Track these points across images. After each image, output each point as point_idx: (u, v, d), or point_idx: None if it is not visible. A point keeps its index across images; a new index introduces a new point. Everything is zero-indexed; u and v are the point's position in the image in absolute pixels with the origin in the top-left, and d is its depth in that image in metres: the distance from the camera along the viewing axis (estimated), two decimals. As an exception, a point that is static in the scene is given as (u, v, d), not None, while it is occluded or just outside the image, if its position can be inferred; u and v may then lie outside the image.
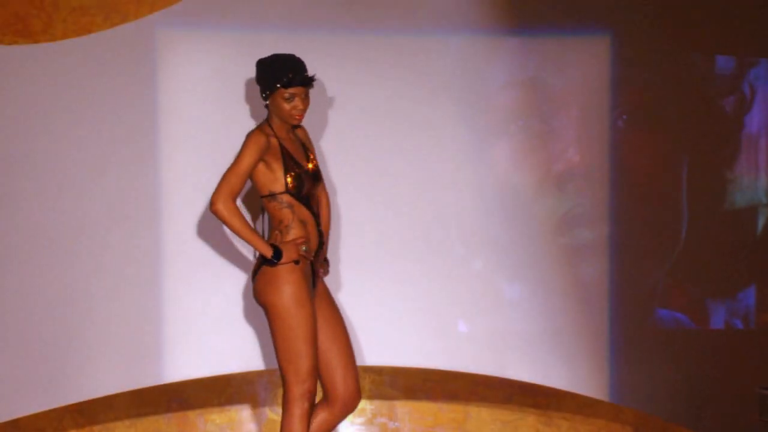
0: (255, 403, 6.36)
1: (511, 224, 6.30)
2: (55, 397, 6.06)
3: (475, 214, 6.23)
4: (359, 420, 6.41)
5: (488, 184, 6.18)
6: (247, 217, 5.93)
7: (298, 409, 4.88)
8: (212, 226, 6.13)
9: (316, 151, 5.54)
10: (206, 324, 6.16)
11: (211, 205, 4.90)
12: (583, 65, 6.36)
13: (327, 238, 5.18)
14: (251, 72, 6.11)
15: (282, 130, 5.06)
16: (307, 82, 4.97)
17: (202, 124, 6.15)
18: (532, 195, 6.30)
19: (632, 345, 6.42)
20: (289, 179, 4.93)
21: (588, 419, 6.48)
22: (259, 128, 5.04)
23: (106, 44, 6.07)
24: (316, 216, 5.04)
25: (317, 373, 4.97)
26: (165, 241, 6.13)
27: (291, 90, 4.96)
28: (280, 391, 6.27)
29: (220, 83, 6.14)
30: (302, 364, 4.87)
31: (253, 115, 6.16)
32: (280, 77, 4.95)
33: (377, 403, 6.43)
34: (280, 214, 4.99)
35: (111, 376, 6.09)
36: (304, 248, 4.94)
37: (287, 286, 4.90)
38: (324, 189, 5.26)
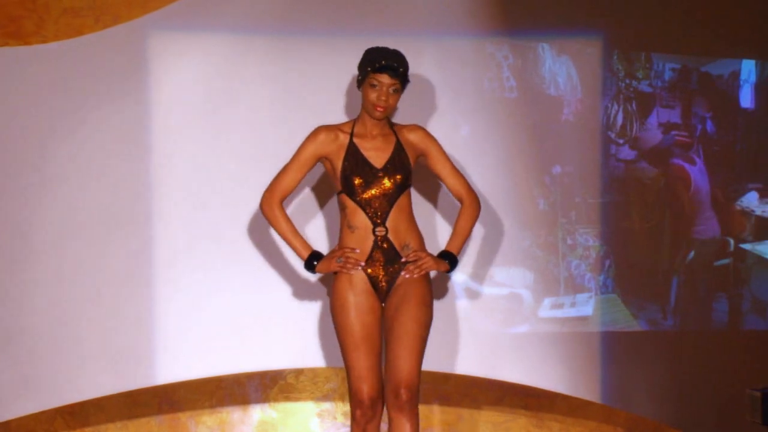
0: (246, 405, 6.34)
1: (503, 224, 6.31)
2: (46, 399, 6.04)
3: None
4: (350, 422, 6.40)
5: (484, 184, 6.19)
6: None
7: (353, 413, 4.87)
8: (203, 228, 6.12)
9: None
10: (197, 326, 6.14)
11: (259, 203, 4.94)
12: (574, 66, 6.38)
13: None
14: (243, 74, 6.15)
15: (368, 127, 4.89)
16: (395, 70, 4.75)
17: (194, 126, 6.14)
18: (528, 195, 6.31)
19: (624, 347, 6.43)
20: (342, 179, 4.83)
21: (579, 421, 6.47)
22: (327, 125, 4.95)
23: (97, 46, 6.06)
24: (377, 223, 4.81)
25: (371, 379, 4.81)
26: (156, 244, 6.11)
27: (378, 77, 4.76)
28: (272, 393, 6.28)
29: (211, 85, 6.13)
30: (349, 370, 4.84)
31: (247, 116, 6.15)
32: (373, 61, 4.78)
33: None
34: (340, 216, 4.92)
35: (102, 378, 6.07)
36: (339, 259, 4.81)
37: (334, 292, 4.88)
38: (469, 196, 4.99)
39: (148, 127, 6.10)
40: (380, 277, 4.85)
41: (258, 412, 6.34)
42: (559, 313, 6.39)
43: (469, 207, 5.00)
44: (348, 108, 6.13)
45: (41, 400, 6.03)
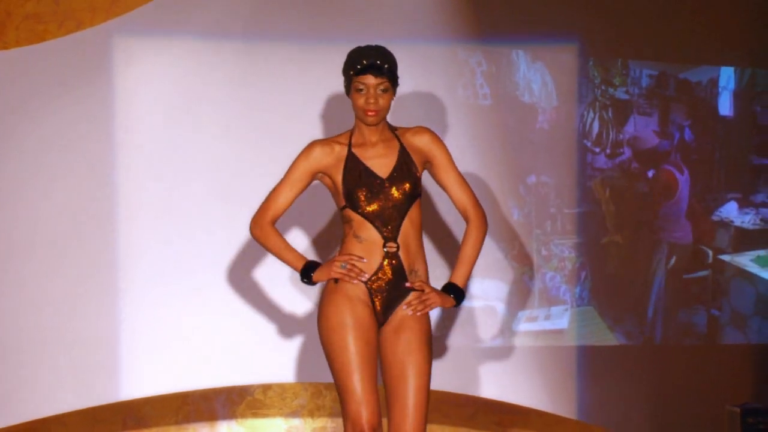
0: (213, 422, 6.30)
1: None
2: (5, 415, 5.96)
3: (452, 227, 6.18)
4: (325, 441, 6.38)
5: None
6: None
7: None
8: (169, 242, 6.06)
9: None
10: (163, 340, 6.08)
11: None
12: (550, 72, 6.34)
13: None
14: (207, 80, 6.10)
15: (366, 135, 4.44)
16: (378, 68, 4.30)
17: (159, 132, 6.08)
18: (502, 205, 6.28)
19: (600, 361, 6.38)
20: (345, 194, 4.36)
21: (555, 437, 6.46)
22: (321, 138, 4.49)
23: (60, 52, 6.02)
24: (387, 237, 4.33)
25: (372, 404, 4.29)
26: (121, 256, 6.05)
27: (362, 79, 4.32)
28: (239, 409, 6.22)
29: (177, 91, 6.07)
30: (346, 394, 4.30)
31: (213, 121, 6.09)
32: (354, 64, 4.34)
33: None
34: (344, 228, 4.42)
35: (64, 394, 5.99)
36: (342, 265, 4.31)
37: (325, 307, 4.36)
38: (476, 213, 4.47)
39: (113, 134, 6.05)
40: (381, 296, 4.36)
41: (225, 429, 6.30)
42: (533, 326, 6.36)
43: (475, 228, 4.47)
44: (323, 114, 6.08)
45: (1, 417, 5.95)
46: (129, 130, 6.05)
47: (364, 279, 4.32)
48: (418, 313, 4.35)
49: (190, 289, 6.08)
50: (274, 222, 4.42)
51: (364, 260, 4.33)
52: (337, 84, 6.07)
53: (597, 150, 6.41)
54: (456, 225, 6.16)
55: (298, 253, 4.41)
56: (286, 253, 4.41)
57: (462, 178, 4.49)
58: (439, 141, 4.48)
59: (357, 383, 4.28)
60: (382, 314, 4.37)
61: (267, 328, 6.15)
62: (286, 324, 6.16)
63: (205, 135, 6.10)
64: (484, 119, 6.31)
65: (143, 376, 6.07)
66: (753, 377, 6.54)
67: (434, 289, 4.38)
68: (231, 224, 5.99)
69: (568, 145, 6.39)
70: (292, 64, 6.11)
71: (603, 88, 6.41)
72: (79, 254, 6.01)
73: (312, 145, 4.41)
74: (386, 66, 4.34)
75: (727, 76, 6.58)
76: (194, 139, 6.10)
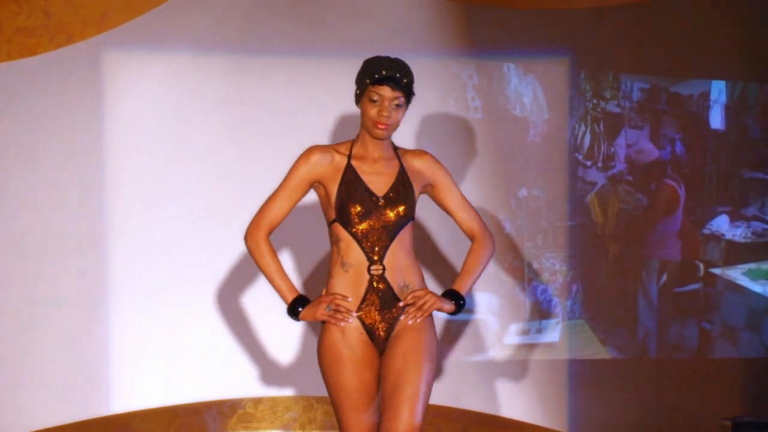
0: (204, 435, 6.28)
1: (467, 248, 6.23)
2: (-5, 429, 5.95)
3: (445, 241, 6.17)
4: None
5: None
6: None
7: None
8: (158, 253, 6.04)
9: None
10: (153, 353, 6.06)
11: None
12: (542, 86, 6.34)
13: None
14: (198, 93, 6.09)
15: (369, 149, 4.27)
16: (397, 81, 4.12)
17: (149, 145, 6.06)
18: (493, 218, 6.27)
19: (592, 374, 6.36)
20: (337, 207, 4.20)
21: (546, 450, 6.44)
22: (321, 144, 4.32)
23: (51, 66, 6.00)
24: (373, 260, 4.17)
25: None
26: (111, 269, 6.03)
27: (378, 89, 4.14)
28: (230, 422, 6.19)
29: (166, 105, 6.05)
30: (340, 428, 4.19)
31: (204, 135, 6.08)
32: (372, 72, 4.15)
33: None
34: (332, 250, 4.25)
35: (54, 407, 5.96)
36: (328, 308, 4.17)
37: (323, 342, 4.23)
38: (483, 234, 4.35)
39: (103, 148, 6.04)
40: (377, 324, 4.20)
41: (216, 443, 6.28)
42: (525, 340, 6.34)
43: (482, 245, 4.34)
44: (314, 129, 6.07)
45: (-10, 431, 5.96)
46: (119, 142, 6.03)
47: (350, 320, 4.17)
48: (418, 320, 4.19)
49: (180, 303, 6.06)
50: (269, 233, 4.25)
51: (350, 299, 4.18)
52: (328, 98, 6.11)
53: (588, 163, 6.41)
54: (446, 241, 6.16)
55: (290, 283, 4.25)
56: (277, 280, 4.22)
57: (466, 200, 4.37)
58: (440, 164, 4.35)
59: (353, 420, 4.17)
60: (383, 342, 4.21)
61: (258, 341, 6.12)
62: (277, 337, 6.14)
63: (195, 148, 6.09)
64: (475, 132, 6.30)
65: (133, 390, 6.05)
66: (744, 390, 6.53)
67: (431, 293, 4.21)
68: (221, 238, 5.99)
69: (559, 159, 6.38)
70: (282, 78, 6.11)
71: (594, 101, 6.41)
72: (68, 267, 5.99)
73: (311, 150, 4.26)
74: (405, 80, 4.17)
75: (718, 90, 6.58)
76: (184, 153, 6.08)
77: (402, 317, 4.19)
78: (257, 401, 6.25)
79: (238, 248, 5.85)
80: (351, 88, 6.03)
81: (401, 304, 4.19)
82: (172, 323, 6.06)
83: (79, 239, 6.00)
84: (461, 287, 4.29)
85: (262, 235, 4.23)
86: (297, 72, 6.12)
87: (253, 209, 4.27)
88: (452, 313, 4.30)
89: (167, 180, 6.08)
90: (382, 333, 4.20)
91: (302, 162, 4.24)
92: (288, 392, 6.18)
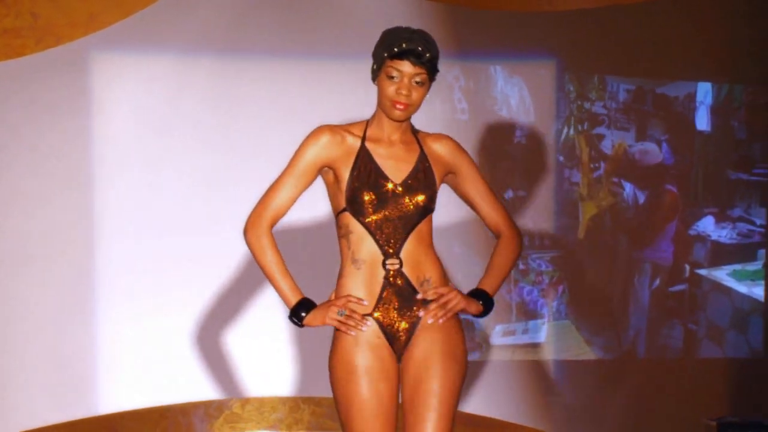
0: (191, 436, 6.28)
1: (454, 249, 6.25)
2: (-18, 430, 5.95)
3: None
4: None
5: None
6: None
7: None
8: (146, 254, 6.04)
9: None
10: (141, 354, 6.06)
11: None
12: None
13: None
14: (185, 95, 6.09)
15: (386, 131, 3.80)
16: (419, 55, 3.64)
17: (137, 147, 6.06)
18: (479, 220, 6.26)
19: (577, 375, 6.36)
20: (348, 195, 3.72)
21: (532, 451, 6.45)
22: (331, 124, 3.83)
23: (38, 67, 5.99)
24: (389, 254, 3.71)
25: None
26: (98, 270, 6.02)
27: (397, 64, 3.66)
28: (217, 423, 6.19)
29: (154, 106, 6.05)
30: None
31: (191, 137, 6.07)
32: (390, 45, 3.67)
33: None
34: (341, 244, 3.79)
35: (42, 408, 5.96)
36: (340, 312, 3.70)
37: (335, 350, 3.75)
38: (511, 230, 3.89)
39: (91, 149, 6.03)
40: (396, 325, 3.71)
41: (203, 443, 6.28)
42: (510, 340, 6.34)
43: (510, 242, 3.87)
44: (302, 131, 6.04)
45: (-22, 432, 5.95)
46: (106, 145, 6.03)
47: (364, 329, 3.69)
48: (440, 320, 3.71)
49: (167, 304, 6.05)
50: (272, 225, 3.76)
51: (365, 302, 3.71)
52: (315, 99, 6.11)
53: (574, 165, 6.42)
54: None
55: (294, 284, 3.75)
56: (279, 280, 3.74)
57: (492, 192, 3.93)
58: (463, 149, 3.91)
59: None
60: (404, 345, 3.74)
61: (245, 341, 6.12)
62: (264, 337, 6.14)
63: (183, 150, 6.09)
64: (461, 134, 6.27)
65: (121, 390, 6.04)
66: (729, 391, 6.54)
67: (456, 290, 3.75)
68: (209, 240, 5.99)
69: (545, 160, 6.39)
70: (269, 79, 6.11)
71: (580, 102, 6.42)
72: (56, 269, 5.98)
73: (320, 130, 3.79)
74: (428, 55, 3.68)
75: (704, 91, 6.59)
76: (172, 155, 6.08)
77: (422, 314, 3.72)
78: (244, 402, 6.25)
79: (225, 249, 5.87)
80: (338, 90, 6.09)
81: (420, 296, 3.72)
82: (159, 324, 6.05)
83: (66, 241, 6.00)
84: (490, 287, 3.83)
85: (265, 228, 3.74)
86: (285, 74, 6.12)
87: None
88: (478, 316, 3.85)
89: (154, 181, 6.07)
90: (402, 335, 3.73)
91: (310, 143, 3.77)
92: (274, 393, 6.17)
